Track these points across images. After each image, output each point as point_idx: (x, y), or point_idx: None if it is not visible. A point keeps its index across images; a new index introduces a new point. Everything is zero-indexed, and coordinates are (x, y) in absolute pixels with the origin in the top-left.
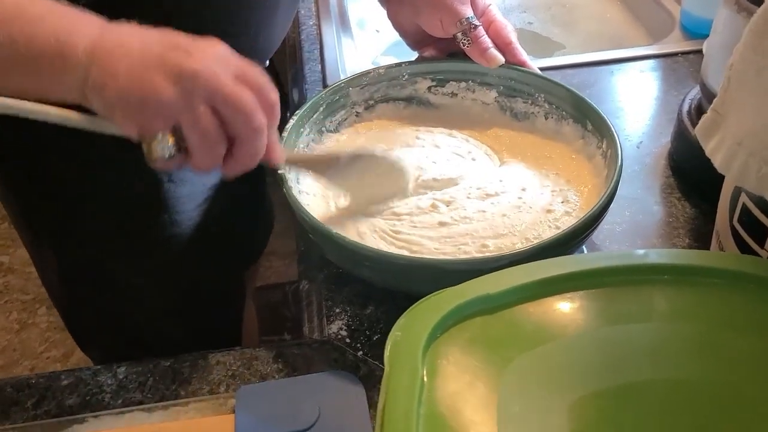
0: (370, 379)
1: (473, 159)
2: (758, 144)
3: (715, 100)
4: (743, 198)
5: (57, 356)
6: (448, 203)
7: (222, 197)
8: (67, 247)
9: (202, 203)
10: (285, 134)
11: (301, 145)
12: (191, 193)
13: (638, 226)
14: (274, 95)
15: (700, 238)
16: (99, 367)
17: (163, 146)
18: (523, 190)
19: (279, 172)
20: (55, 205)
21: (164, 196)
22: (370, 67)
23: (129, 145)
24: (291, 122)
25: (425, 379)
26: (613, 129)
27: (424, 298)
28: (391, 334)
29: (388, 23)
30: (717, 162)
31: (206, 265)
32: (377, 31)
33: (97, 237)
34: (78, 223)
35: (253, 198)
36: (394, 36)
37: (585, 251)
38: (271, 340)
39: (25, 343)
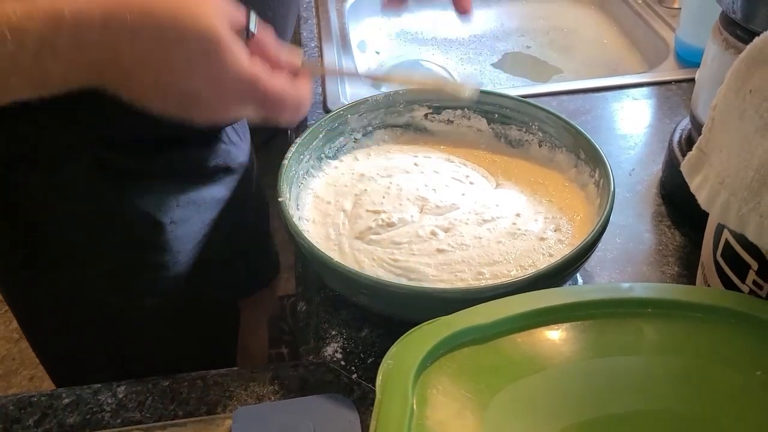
0: (364, 402)
1: (471, 183)
2: (739, 184)
3: (699, 139)
4: (726, 234)
5: None
6: (446, 230)
7: (220, 235)
8: (62, 285)
9: (201, 240)
10: (285, 162)
11: (301, 172)
12: (189, 232)
13: (629, 254)
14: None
15: (689, 266)
16: (99, 385)
17: None
18: (518, 215)
19: (279, 199)
20: (50, 246)
21: (165, 238)
22: (369, 88)
23: (132, 187)
24: (291, 150)
25: (415, 407)
26: (605, 160)
27: (415, 327)
28: (383, 362)
29: (389, 46)
30: (701, 199)
31: (202, 297)
32: (377, 52)
33: (95, 276)
34: (73, 262)
35: (254, 238)
36: (394, 58)
37: (579, 278)
38: (269, 354)
39: (25, 352)
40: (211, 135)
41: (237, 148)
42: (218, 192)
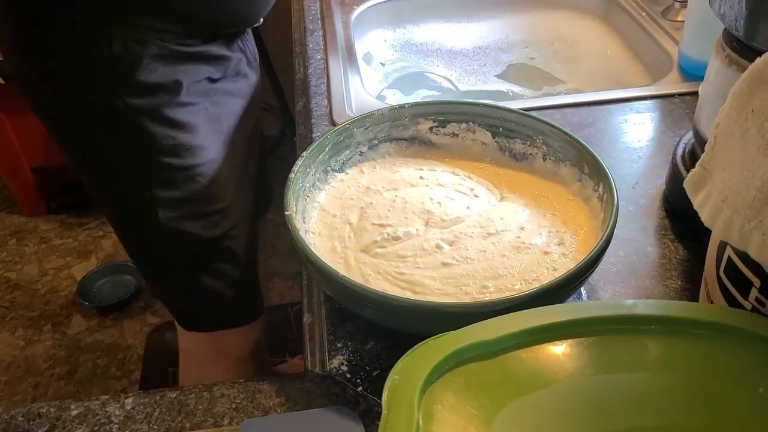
0: (369, 415)
1: (476, 195)
2: (742, 202)
3: (702, 156)
4: (728, 251)
5: (61, 373)
6: (451, 243)
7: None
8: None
9: (225, 143)
10: (292, 175)
11: (308, 185)
12: (219, 128)
13: (632, 267)
14: None
15: (692, 280)
16: (107, 397)
17: None
18: (522, 229)
19: (286, 213)
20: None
21: (205, 117)
22: (375, 100)
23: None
24: (298, 163)
25: (421, 423)
26: (609, 174)
27: (421, 343)
28: (389, 377)
29: (393, 58)
30: (703, 216)
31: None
32: (382, 64)
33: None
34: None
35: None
36: (399, 71)
37: (582, 291)
38: (273, 362)
39: (30, 360)
40: (235, 38)
41: (250, 65)
42: (237, 91)
